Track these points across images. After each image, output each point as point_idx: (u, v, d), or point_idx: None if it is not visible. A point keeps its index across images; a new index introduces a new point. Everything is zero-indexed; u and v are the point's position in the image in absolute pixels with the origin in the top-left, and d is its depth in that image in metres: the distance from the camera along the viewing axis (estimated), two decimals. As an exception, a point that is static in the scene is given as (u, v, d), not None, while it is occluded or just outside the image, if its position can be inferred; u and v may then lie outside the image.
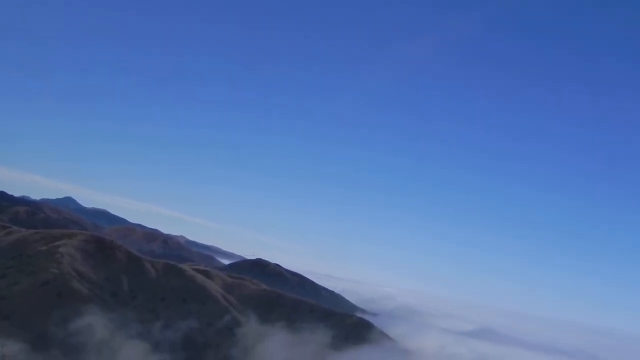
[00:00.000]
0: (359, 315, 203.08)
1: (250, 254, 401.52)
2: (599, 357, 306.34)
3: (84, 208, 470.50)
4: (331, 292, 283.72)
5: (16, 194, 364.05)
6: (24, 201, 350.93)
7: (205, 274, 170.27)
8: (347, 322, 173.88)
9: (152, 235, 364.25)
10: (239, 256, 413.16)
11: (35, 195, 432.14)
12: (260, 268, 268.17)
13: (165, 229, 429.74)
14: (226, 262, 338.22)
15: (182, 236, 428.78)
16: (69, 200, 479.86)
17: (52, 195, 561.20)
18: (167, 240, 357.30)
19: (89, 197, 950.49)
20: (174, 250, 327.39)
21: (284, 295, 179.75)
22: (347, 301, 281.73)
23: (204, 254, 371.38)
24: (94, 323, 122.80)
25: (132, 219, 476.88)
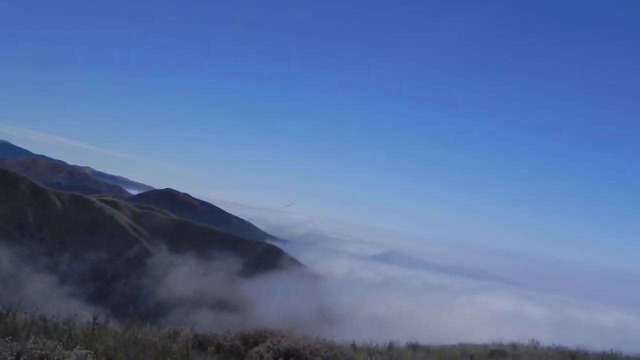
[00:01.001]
0: (269, 242, 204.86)
1: (159, 184, 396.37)
2: (502, 276, 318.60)
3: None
4: (241, 221, 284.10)
5: None
6: None
7: (113, 204, 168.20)
8: (258, 250, 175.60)
9: (57, 166, 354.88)
10: (148, 186, 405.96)
11: None
12: (169, 198, 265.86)
13: (71, 160, 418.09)
14: (134, 192, 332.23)
15: (88, 167, 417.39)
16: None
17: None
18: (72, 172, 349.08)
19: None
20: (80, 182, 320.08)
21: (193, 224, 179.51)
22: (257, 229, 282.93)
23: (111, 185, 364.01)
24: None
25: (35, 150, 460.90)
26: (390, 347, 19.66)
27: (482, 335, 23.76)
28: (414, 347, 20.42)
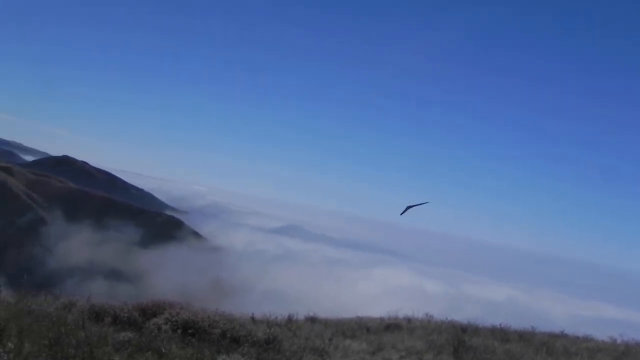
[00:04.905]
0: (169, 213, 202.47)
1: (55, 151, 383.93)
2: (399, 251, 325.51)
3: None
4: (141, 191, 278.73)
5: None
6: None
7: (6, 170, 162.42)
8: (157, 220, 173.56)
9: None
10: (43, 153, 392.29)
11: None
12: (66, 165, 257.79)
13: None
14: (29, 158, 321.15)
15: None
16: None
17: None
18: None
19: None
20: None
21: (91, 193, 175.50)
22: (157, 199, 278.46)
23: (4, 150, 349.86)
24: None
25: None
26: (289, 319, 19.89)
27: (379, 309, 24.29)
28: (313, 320, 20.70)
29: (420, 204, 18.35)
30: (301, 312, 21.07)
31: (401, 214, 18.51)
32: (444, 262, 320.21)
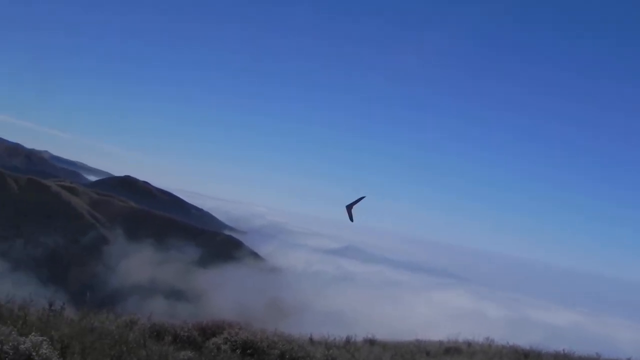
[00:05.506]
0: (228, 233, 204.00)
1: (117, 171, 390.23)
2: (459, 274, 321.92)
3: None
4: (200, 210, 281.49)
5: None
6: None
7: (71, 190, 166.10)
8: (217, 240, 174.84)
9: (14, 149, 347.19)
10: (106, 173, 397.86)
11: None
12: (128, 185, 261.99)
13: (28, 143, 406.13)
14: (93, 178, 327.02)
15: (46, 151, 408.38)
16: None
17: None
18: (30, 155, 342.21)
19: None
20: (37, 166, 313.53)
21: (152, 212, 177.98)
22: (217, 219, 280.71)
23: (69, 170, 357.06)
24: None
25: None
26: (348, 341, 19.76)
27: (439, 332, 24.05)
28: (371, 342, 20.55)
29: (359, 200, 17.97)
30: (360, 334, 20.96)
31: (351, 220, 18.17)
32: (504, 285, 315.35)
